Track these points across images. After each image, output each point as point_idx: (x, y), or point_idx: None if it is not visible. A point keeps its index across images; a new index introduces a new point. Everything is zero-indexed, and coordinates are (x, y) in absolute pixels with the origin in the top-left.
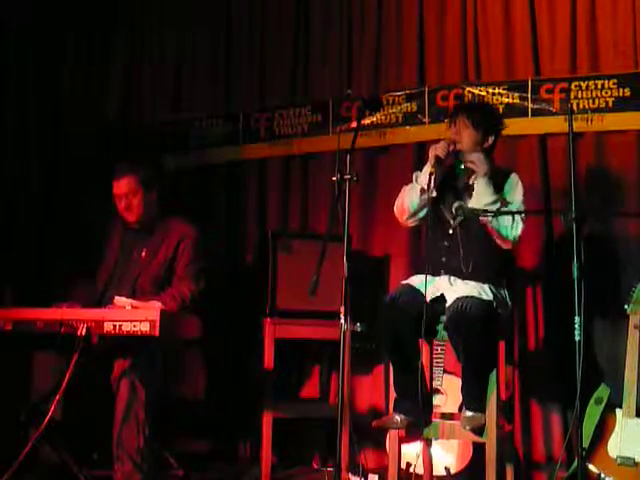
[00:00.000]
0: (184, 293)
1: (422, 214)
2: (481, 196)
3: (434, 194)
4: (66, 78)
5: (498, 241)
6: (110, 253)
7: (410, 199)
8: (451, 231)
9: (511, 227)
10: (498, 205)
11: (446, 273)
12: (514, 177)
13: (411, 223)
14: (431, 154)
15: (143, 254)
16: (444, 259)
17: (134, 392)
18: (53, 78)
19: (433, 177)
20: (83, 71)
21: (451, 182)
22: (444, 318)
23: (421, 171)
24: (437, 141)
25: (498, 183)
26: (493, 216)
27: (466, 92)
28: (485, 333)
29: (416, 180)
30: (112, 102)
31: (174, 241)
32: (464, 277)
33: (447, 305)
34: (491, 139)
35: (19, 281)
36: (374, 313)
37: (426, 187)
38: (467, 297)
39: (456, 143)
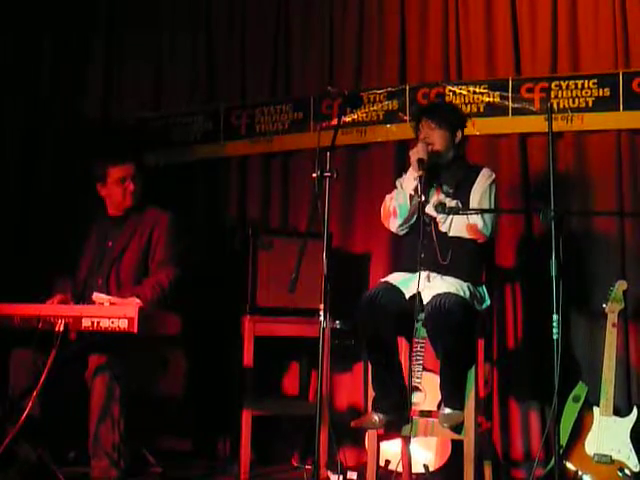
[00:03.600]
0: (162, 282)
1: (413, 220)
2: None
3: (423, 198)
4: (44, 78)
5: (470, 235)
6: (88, 247)
7: (400, 207)
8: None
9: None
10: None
11: (425, 269)
12: (485, 173)
13: (403, 231)
14: (413, 159)
15: (117, 244)
16: (422, 255)
17: (109, 388)
18: (31, 78)
19: (420, 181)
20: (62, 71)
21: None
22: (423, 315)
23: (402, 177)
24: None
25: (470, 180)
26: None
27: (447, 91)
28: (464, 330)
29: (401, 187)
30: (92, 101)
31: (147, 229)
32: (442, 272)
33: (425, 302)
34: (459, 134)
35: None
36: (354, 310)
37: (413, 192)
38: (446, 294)
39: (430, 145)
